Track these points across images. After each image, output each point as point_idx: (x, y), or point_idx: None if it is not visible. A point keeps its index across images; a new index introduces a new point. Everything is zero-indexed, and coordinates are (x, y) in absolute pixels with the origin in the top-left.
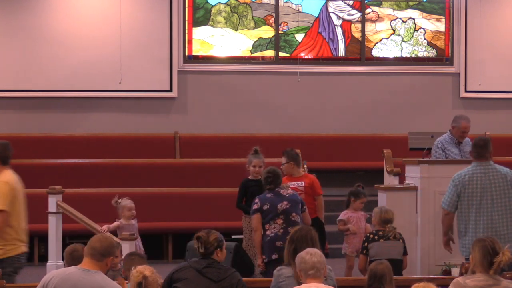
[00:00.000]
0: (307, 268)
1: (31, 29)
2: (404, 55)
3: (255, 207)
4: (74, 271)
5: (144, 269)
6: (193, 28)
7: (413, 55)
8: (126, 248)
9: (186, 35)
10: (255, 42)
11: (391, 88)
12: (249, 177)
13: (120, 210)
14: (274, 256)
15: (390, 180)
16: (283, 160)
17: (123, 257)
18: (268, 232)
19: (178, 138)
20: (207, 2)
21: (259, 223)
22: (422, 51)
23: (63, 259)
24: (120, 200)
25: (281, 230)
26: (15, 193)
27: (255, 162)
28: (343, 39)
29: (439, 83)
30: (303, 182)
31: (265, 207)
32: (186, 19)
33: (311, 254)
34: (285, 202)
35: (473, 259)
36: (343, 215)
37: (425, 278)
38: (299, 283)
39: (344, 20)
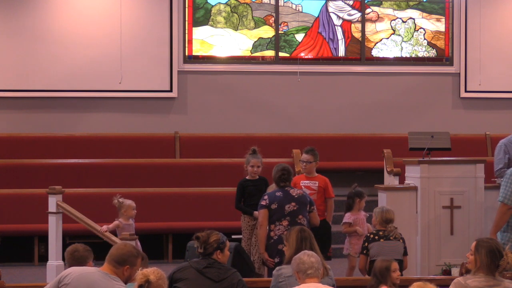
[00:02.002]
0: (306, 268)
1: (31, 29)
2: (404, 55)
3: (263, 203)
4: (94, 271)
5: (151, 273)
6: (193, 28)
7: (413, 55)
8: None
9: (186, 35)
10: (255, 42)
11: (391, 88)
12: (247, 177)
13: (123, 209)
14: (276, 259)
15: (390, 180)
16: (309, 158)
17: None
18: (272, 234)
19: (178, 138)
20: (207, 2)
21: (265, 219)
22: (422, 51)
23: (63, 259)
24: (122, 200)
25: (285, 232)
26: None
27: (253, 162)
28: (343, 39)
29: (439, 83)
30: (317, 182)
31: (273, 206)
32: (186, 19)
33: (308, 255)
34: (293, 204)
35: (477, 261)
36: (348, 218)
37: (425, 278)
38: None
39: (344, 20)
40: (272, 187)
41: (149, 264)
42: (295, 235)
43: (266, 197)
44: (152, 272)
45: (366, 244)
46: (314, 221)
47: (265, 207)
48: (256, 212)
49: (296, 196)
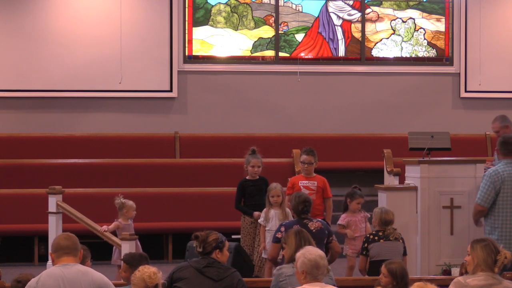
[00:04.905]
0: (309, 274)
1: (31, 29)
2: (404, 55)
3: (278, 235)
4: (53, 269)
5: (158, 270)
6: (193, 28)
7: (413, 55)
8: (126, 248)
9: (186, 35)
10: (255, 42)
11: (391, 88)
12: (247, 177)
13: (125, 210)
14: None
15: (390, 180)
16: (311, 159)
17: (122, 256)
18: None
19: (178, 138)
20: (207, 2)
21: (276, 253)
22: (422, 51)
23: None
24: (124, 200)
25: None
26: None
27: (254, 162)
28: (343, 39)
29: (439, 83)
30: (316, 183)
31: None
32: (186, 19)
33: (309, 260)
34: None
35: (475, 259)
36: (342, 219)
37: (425, 278)
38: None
39: (344, 20)
40: (272, 188)
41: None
42: (293, 236)
43: (283, 229)
44: (156, 270)
45: (365, 244)
46: (336, 249)
47: (280, 241)
48: (255, 213)
49: (314, 231)
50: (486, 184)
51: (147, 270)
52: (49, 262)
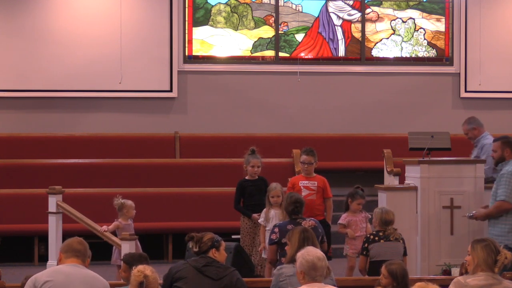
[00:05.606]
0: (307, 275)
1: (31, 29)
2: (404, 55)
3: (273, 237)
4: (62, 266)
5: (145, 269)
6: (193, 28)
7: (413, 55)
8: (126, 248)
9: (186, 35)
10: (255, 42)
11: (391, 88)
12: (246, 177)
13: (125, 210)
14: None
15: (390, 180)
16: (311, 159)
17: (122, 256)
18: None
19: (178, 138)
20: (207, 2)
21: (274, 256)
22: (422, 51)
23: None
24: (123, 201)
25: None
26: None
27: (254, 162)
28: (343, 39)
29: (439, 83)
30: (316, 183)
31: (284, 240)
32: (186, 19)
33: (306, 261)
34: None
35: (475, 259)
36: (343, 219)
37: (425, 278)
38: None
39: (344, 20)
40: (272, 188)
41: (150, 264)
42: (298, 235)
43: (276, 230)
44: (144, 268)
45: (366, 245)
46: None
47: (275, 242)
48: (254, 216)
49: None
50: (510, 182)
51: (135, 269)
52: (49, 262)
